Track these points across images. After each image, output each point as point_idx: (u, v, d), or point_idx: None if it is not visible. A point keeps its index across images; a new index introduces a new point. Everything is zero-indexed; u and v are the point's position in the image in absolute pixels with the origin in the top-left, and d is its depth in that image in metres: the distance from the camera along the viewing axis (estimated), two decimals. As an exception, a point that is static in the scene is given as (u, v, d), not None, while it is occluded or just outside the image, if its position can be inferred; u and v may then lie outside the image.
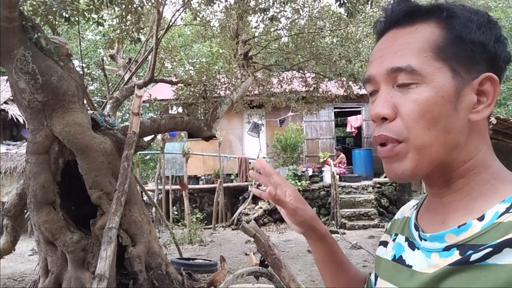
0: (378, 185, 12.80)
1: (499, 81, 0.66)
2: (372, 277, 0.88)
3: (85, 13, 5.55)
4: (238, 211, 12.88)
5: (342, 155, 14.13)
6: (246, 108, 10.13)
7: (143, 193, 8.54)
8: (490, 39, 0.67)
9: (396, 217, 0.87)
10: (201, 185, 14.44)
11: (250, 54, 8.25)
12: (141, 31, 6.36)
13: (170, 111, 10.46)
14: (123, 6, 6.00)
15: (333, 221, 11.88)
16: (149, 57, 7.17)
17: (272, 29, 8.57)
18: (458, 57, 0.66)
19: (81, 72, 5.65)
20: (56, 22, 5.58)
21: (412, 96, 0.67)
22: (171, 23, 7.42)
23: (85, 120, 4.94)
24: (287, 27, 8.47)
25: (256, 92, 9.46)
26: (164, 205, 12.51)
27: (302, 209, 0.87)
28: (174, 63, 9.36)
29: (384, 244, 0.85)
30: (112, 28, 6.87)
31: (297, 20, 8.38)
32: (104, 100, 8.38)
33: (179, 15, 7.41)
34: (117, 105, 6.96)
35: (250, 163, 13.86)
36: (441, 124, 0.66)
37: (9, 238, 6.54)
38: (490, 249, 0.58)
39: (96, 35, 16.97)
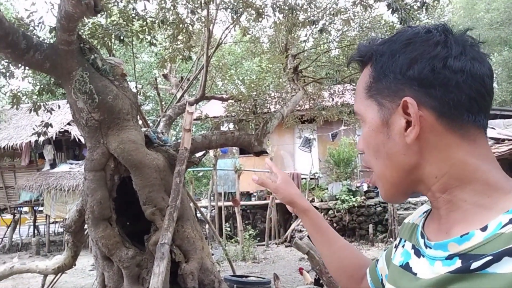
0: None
1: (415, 102, 0.68)
2: (380, 269, 0.95)
3: (139, 34, 5.74)
4: (291, 227, 12.67)
5: (399, 169, 13.54)
6: (297, 123, 10.00)
7: (196, 209, 8.60)
8: (403, 63, 0.70)
9: (406, 220, 0.90)
10: (253, 202, 14.40)
11: (300, 68, 8.16)
12: (192, 49, 6.48)
13: (222, 128, 10.57)
14: (174, 25, 6.15)
15: (391, 239, 11.36)
16: (200, 75, 7.29)
17: (322, 42, 8.46)
18: (380, 90, 0.73)
19: (135, 91, 5.82)
20: (112, 44, 5.81)
21: (362, 134, 0.79)
22: (221, 41, 7.53)
23: (139, 137, 5.05)
24: (337, 39, 8.33)
25: (307, 106, 9.33)
26: (217, 221, 12.56)
27: (283, 188, 1.13)
28: (225, 80, 9.47)
29: (395, 246, 0.88)
30: (164, 48, 7.06)
31: (347, 32, 8.21)
32: (158, 119, 8.59)
33: (229, 32, 7.50)
34: (170, 123, 7.11)
35: (302, 178, 13.66)
36: (382, 152, 0.74)
37: (70, 254, 6.78)
38: (490, 257, 0.59)
39: (151, 57, 17.66)
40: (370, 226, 12.12)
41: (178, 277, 5.11)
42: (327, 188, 13.41)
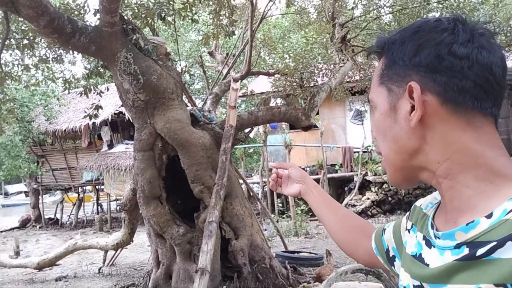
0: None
1: (419, 87, 0.70)
2: (387, 240, 0.98)
3: (181, 11, 5.68)
4: (344, 202, 12.45)
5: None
6: (347, 95, 9.66)
7: (247, 186, 8.61)
8: (411, 50, 0.72)
9: (418, 203, 0.90)
10: (305, 177, 14.25)
11: (348, 37, 7.80)
12: (235, 24, 6.34)
13: (271, 103, 10.43)
14: (216, 1, 6.03)
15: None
16: (245, 50, 7.16)
17: (371, 8, 8.01)
18: (390, 77, 0.76)
19: (180, 70, 5.81)
20: (155, 23, 5.80)
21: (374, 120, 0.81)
22: (265, 14, 7.32)
23: (184, 116, 5.05)
24: (388, 4, 7.84)
25: (357, 77, 8.96)
26: (269, 197, 12.59)
27: (292, 171, 1.24)
28: (272, 55, 9.27)
29: (407, 229, 0.89)
30: (207, 25, 6.98)
31: (399, -5, 7.71)
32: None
33: (273, 4, 7.27)
34: (217, 100, 7.07)
35: (354, 152, 13.31)
36: (388, 136, 0.76)
37: (127, 231, 7.06)
38: (495, 243, 0.61)
39: (198, 35, 17.70)
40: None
41: (229, 253, 5.15)
42: (381, 161, 13.00)
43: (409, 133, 0.73)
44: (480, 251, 0.62)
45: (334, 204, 1.20)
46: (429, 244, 0.76)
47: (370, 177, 12.59)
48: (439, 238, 0.73)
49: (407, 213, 0.94)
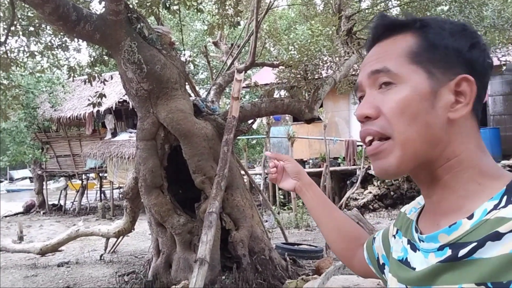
0: (507, 169, 11.30)
1: (475, 82, 0.70)
2: (377, 248, 0.98)
3: (186, 1, 5.65)
4: (346, 195, 12.46)
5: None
6: (352, 88, 9.61)
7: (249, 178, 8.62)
8: (465, 45, 0.72)
9: (403, 210, 0.91)
10: (307, 169, 14.26)
11: (354, 30, 7.74)
12: (240, 14, 6.31)
13: (275, 95, 10.40)
14: (222, -10, 5.99)
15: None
16: (250, 41, 7.12)
17: (379, 1, 7.93)
18: (433, 60, 0.73)
19: (184, 60, 5.79)
20: (160, 12, 5.78)
21: (391, 96, 0.73)
22: (270, 5, 7.27)
23: (187, 106, 5.05)
24: (395, -3, 7.77)
25: (362, 70, 8.89)
26: (271, 189, 12.62)
27: (293, 160, 1.25)
28: (277, 46, 9.23)
29: (393, 235, 0.90)
30: (212, 14, 6.94)
31: (406, -12, 7.63)
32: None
33: (279, -5, 7.20)
34: (221, 91, 7.05)
35: (358, 145, 13.28)
36: (421, 119, 0.71)
37: (128, 219, 7.10)
38: (475, 243, 0.62)
39: (203, 25, 17.60)
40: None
41: (229, 244, 5.17)
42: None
43: (442, 124, 0.71)
44: (462, 252, 0.64)
45: (329, 205, 1.19)
46: (414, 247, 0.78)
47: (372, 171, 12.56)
48: (423, 241, 0.74)
49: (394, 220, 0.95)
